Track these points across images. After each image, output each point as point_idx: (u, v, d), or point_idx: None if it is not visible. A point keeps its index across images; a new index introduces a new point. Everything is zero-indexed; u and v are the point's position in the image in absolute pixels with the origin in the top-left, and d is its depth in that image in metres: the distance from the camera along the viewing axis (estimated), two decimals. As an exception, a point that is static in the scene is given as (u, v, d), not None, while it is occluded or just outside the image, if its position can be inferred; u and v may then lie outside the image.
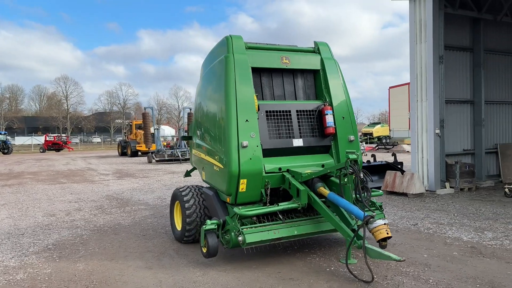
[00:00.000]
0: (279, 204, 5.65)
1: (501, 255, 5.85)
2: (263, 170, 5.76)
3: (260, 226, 5.50)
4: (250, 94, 5.85)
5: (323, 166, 6.17)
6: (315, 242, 6.61)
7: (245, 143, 5.63)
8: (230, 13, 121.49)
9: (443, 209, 9.19)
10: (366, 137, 47.65)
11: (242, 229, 5.35)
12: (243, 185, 5.67)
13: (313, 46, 6.79)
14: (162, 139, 31.14)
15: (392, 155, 14.90)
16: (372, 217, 4.81)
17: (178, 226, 6.97)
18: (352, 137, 6.39)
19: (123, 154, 35.30)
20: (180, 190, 6.74)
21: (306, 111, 6.35)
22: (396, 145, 34.67)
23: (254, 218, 5.68)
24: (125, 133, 41.99)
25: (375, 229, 4.68)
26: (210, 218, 6.55)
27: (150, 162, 25.96)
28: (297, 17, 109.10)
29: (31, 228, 8.11)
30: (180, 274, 5.35)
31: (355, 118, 7.47)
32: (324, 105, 6.32)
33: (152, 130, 28.25)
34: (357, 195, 5.23)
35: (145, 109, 29.68)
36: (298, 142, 6.19)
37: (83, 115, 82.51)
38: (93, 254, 6.33)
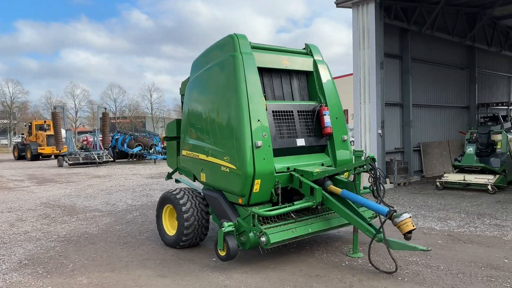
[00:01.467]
0: (294, 203, 5.73)
1: (478, 241, 6.60)
2: (274, 170, 5.79)
3: (279, 226, 5.53)
4: (260, 94, 5.84)
5: (322, 164, 6.37)
6: (311, 239, 6.79)
7: (259, 143, 5.61)
8: (122, 9, 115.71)
9: (397, 203, 10.01)
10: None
11: (265, 229, 5.33)
12: (257, 186, 5.64)
13: (305, 48, 6.97)
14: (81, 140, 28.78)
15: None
16: (395, 211, 5.12)
17: (170, 231, 6.66)
18: (345, 137, 6.69)
19: (20, 157, 31.97)
20: (174, 193, 6.45)
21: (306, 111, 6.51)
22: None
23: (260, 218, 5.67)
24: (22, 134, 38.02)
25: (402, 223, 5.00)
26: (207, 221, 6.41)
27: (61, 166, 23.93)
28: (194, 16, 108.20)
29: (-17, 243, 7.09)
30: (203, 280, 5.15)
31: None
32: (321, 106, 6.53)
33: (63, 131, 26.07)
34: (374, 191, 5.52)
35: (55, 108, 27.22)
36: (301, 142, 6.31)
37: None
38: (86, 266, 5.77)
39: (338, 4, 12.58)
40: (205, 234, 6.51)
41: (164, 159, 25.62)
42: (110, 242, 7.01)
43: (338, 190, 5.76)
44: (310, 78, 6.82)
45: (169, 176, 8.07)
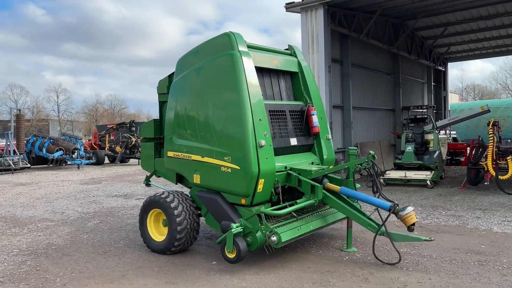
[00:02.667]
0: (297, 201, 5.79)
1: (447, 230, 7.21)
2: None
3: (285, 225, 5.55)
4: (259, 93, 5.82)
5: (312, 163, 6.52)
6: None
7: (262, 142, 5.59)
8: (15, 2, 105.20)
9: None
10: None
11: (275, 228, 5.32)
12: (261, 185, 5.61)
13: (288, 49, 7.07)
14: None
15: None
16: (397, 205, 5.42)
17: (157, 237, 6.34)
18: (329, 136, 6.92)
19: None
20: (163, 197, 6.16)
21: (295, 111, 6.61)
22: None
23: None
24: None
25: (406, 215, 5.30)
26: (198, 224, 6.22)
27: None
28: (99, 14, 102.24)
29: None
30: (217, 284, 5.00)
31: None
32: (309, 106, 6.68)
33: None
34: (374, 187, 5.78)
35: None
36: (294, 141, 6.40)
37: None
38: (76, 279, 5.28)
39: (287, 8, 12.90)
40: (195, 238, 6.30)
41: (89, 164, 24.12)
42: (87, 252, 6.47)
43: (336, 187, 5.94)
44: (294, 79, 6.94)
45: (147, 180, 7.65)
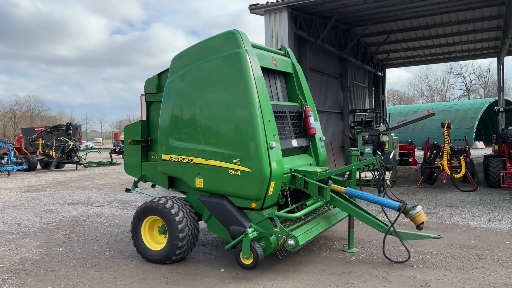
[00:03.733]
0: (307, 203, 5.71)
1: (431, 227, 7.51)
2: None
3: (297, 228, 5.46)
4: (266, 93, 5.67)
5: (310, 164, 6.49)
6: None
7: (273, 144, 5.45)
8: None
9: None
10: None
11: (291, 230, 5.21)
12: (271, 188, 5.46)
13: (280, 49, 6.99)
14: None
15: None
16: (406, 205, 5.54)
17: (153, 246, 5.95)
18: (323, 137, 6.93)
19: None
20: (161, 203, 5.79)
21: (294, 112, 6.53)
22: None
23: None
24: None
25: (417, 214, 5.43)
26: (198, 230, 5.92)
27: None
28: (11, 8, 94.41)
29: None
30: (240, 292, 4.76)
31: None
32: (306, 107, 6.64)
33: None
34: (381, 187, 5.86)
35: None
36: (294, 143, 6.32)
37: None
38: (79, 296, 4.77)
39: (251, 10, 12.82)
40: (195, 245, 5.99)
41: (20, 170, 22.20)
42: (73, 266, 5.89)
43: (342, 188, 5.95)
44: (288, 80, 6.87)
45: (135, 185, 7.13)
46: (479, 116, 32.30)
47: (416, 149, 16.87)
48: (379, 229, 5.67)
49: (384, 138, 14.07)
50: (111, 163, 26.25)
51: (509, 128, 12.93)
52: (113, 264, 5.93)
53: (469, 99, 61.70)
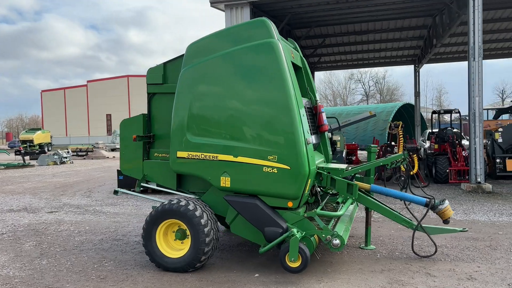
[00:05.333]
0: (338, 201, 5.56)
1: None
2: None
3: (336, 226, 5.28)
4: (297, 86, 5.40)
5: (323, 161, 6.35)
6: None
7: (310, 139, 5.22)
8: None
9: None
10: (25, 144, 42.72)
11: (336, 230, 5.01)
12: (307, 186, 5.21)
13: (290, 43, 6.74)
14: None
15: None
16: (434, 199, 5.63)
17: (170, 253, 5.36)
18: (330, 134, 6.83)
19: None
20: (182, 204, 5.23)
21: (309, 108, 6.32)
22: (92, 151, 33.16)
23: None
24: None
25: (445, 209, 5.54)
26: (219, 232, 5.46)
27: None
28: None
29: None
30: (297, 297, 4.43)
31: None
32: (318, 103, 6.48)
33: None
34: (405, 183, 5.89)
35: None
36: (313, 139, 6.11)
37: None
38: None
39: (212, 4, 12.33)
40: (216, 249, 5.52)
41: None
42: (77, 281, 5.05)
43: (367, 186, 5.88)
44: (298, 74, 6.63)
45: (139, 186, 6.34)
46: (390, 119, 34.93)
47: (358, 148, 17.59)
48: (405, 225, 5.70)
49: (336, 137, 14.45)
50: (24, 165, 23.66)
51: (448, 129, 14.08)
52: (125, 276, 5.20)
53: (367, 103, 66.73)
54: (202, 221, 5.17)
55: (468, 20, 11.24)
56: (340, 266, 5.38)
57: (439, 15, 16.59)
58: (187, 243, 5.32)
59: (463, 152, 12.88)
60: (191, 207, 5.22)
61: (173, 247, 5.41)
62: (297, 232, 4.87)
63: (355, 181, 5.88)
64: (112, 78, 62.71)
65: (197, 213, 5.20)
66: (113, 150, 39.10)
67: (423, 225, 5.67)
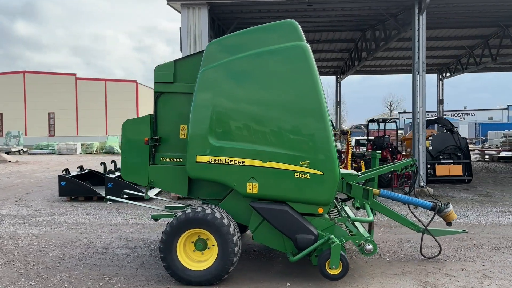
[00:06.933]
0: (358, 207, 5.64)
1: (390, 225, 8.18)
2: None
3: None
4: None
5: None
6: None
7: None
8: None
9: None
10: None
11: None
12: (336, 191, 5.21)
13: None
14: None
15: (101, 164, 14.18)
16: (440, 203, 5.96)
17: (192, 265, 4.98)
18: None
19: None
20: (208, 212, 4.90)
21: None
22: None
23: None
24: None
25: (450, 212, 5.88)
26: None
27: None
28: None
29: None
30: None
31: None
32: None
33: None
34: (411, 188, 6.15)
35: None
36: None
37: None
38: None
39: (168, 2, 11.77)
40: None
41: None
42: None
43: (377, 191, 6.02)
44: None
45: (147, 195, 5.73)
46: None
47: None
48: (413, 228, 5.96)
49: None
50: None
51: (386, 136, 15.07)
52: (145, 293, 4.70)
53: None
54: (231, 230, 4.88)
55: (413, 38, 12.17)
56: (361, 270, 5.43)
57: (371, 30, 17.70)
58: (208, 254, 5.01)
59: (403, 158, 13.88)
60: (218, 215, 4.91)
61: (193, 259, 5.02)
62: (339, 239, 4.83)
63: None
64: (5, 74, 56.32)
65: (225, 221, 4.90)
66: (8, 153, 34.97)
67: (430, 228, 5.97)
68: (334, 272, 4.75)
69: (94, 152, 37.73)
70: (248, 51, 5.19)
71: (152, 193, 10.73)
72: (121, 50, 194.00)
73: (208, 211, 4.92)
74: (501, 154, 23.40)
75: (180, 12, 12.04)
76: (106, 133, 48.34)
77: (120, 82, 54.52)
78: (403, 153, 15.60)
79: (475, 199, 11.00)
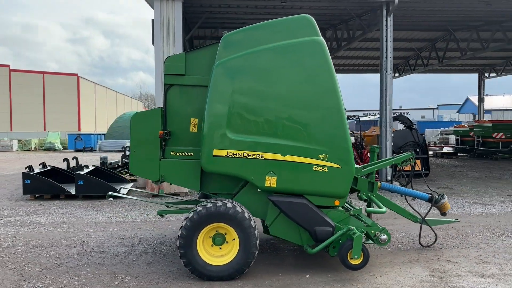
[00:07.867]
0: (365, 199, 5.82)
1: (382, 216, 8.52)
2: None
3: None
4: (337, 84, 5.51)
5: None
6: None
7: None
8: None
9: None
10: None
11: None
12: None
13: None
14: None
15: (64, 161, 13.54)
16: (436, 194, 6.29)
17: (212, 260, 4.91)
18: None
19: None
20: (229, 206, 4.86)
21: None
22: None
23: None
24: None
25: (445, 203, 6.23)
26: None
27: None
28: None
29: None
30: (375, 292, 4.52)
31: None
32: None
33: None
34: (409, 181, 6.44)
35: None
36: None
37: None
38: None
39: (141, -8, 11.39)
40: None
41: None
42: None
43: (378, 184, 6.25)
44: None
45: (161, 191, 5.51)
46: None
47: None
48: (411, 219, 6.24)
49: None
50: None
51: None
52: (168, 291, 4.57)
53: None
54: (252, 223, 4.88)
55: (381, 38, 12.66)
56: (370, 260, 5.58)
57: (332, 30, 18.16)
58: (227, 248, 4.97)
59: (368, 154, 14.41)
60: (239, 209, 4.88)
61: (212, 254, 4.95)
62: (360, 231, 4.97)
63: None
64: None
65: (246, 215, 4.88)
66: None
67: (426, 218, 6.29)
68: (356, 262, 4.89)
69: (33, 149, 35.53)
70: (263, 45, 5.19)
71: (124, 190, 10.38)
72: (54, 42, 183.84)
73: (229, 205, 4.87)
74: (444, 150, 24.94)
75: (151, 6, 11.72)
76: (45, 129, 45.76)
77: (60, 75, 51.76)
78: (367, 148, 16.19)
79: (437, 192, 11.66)
